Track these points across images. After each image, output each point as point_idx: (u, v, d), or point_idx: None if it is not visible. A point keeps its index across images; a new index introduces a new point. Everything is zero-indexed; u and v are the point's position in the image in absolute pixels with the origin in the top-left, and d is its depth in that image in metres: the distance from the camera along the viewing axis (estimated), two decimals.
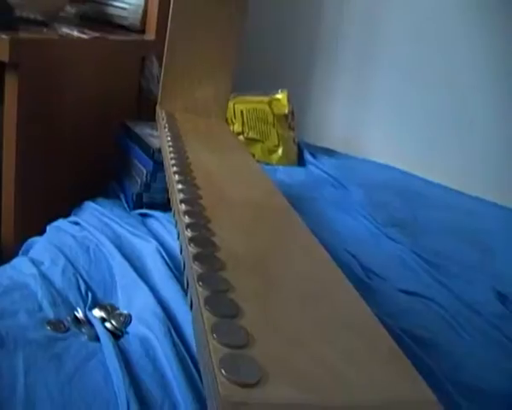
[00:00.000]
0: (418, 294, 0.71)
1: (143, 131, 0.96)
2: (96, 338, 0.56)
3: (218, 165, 0.71)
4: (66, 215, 0.84)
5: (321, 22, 1.47)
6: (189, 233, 0.47)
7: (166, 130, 0.80)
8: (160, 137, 0.88)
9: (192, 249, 0.44)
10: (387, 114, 1.41)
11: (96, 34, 1.01)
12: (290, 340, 0.35)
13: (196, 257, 0.43)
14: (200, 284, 0.39)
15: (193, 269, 0.41)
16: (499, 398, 0.54)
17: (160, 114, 0.90)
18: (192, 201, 0.54)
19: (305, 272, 0.47)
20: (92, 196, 0.91)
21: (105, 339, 0.54)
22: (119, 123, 1.00)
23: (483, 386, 0.55)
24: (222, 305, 0.37)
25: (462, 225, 0.99)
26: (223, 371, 0.29)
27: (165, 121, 0.85)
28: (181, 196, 0.56)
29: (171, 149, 0.71)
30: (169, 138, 0.76)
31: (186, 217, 0.50)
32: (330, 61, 1.47)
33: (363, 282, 0.72)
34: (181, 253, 0.49)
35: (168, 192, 0.90)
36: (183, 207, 0.53)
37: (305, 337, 0.36)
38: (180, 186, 0.58)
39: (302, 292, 0.43)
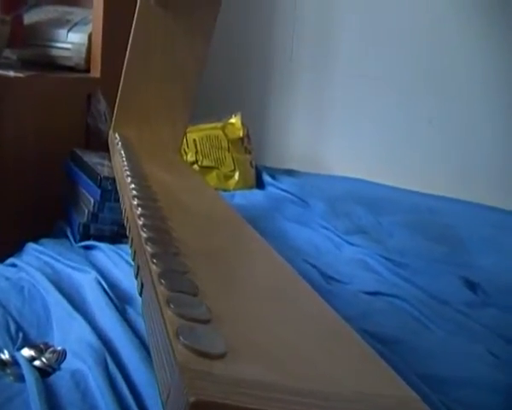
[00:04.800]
0: (381, 293, 0.67)
1: (92, 160, 0.91)
2: (23, 378, 0.50)
3: (175, 183, 0.68)
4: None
5: (273, 41, 1.46)
6: (140, 221, 0.42)
7: (119, 146, 0.75)
8: (111, 154, 0.81)
9: (144, 234, 0.39)
10: (347, 127, 1.39)
11: (33, 73, 0.99)
12: (256, 323, 0.31)
13: (149, 239, 0.37)
14: (154, 261, 0.33)
15: (145, 250, 0.36)
16: (472, 385, 0.49)
17: (113, 135, 0.85)
18: (147, 199, 0.49)
19: (260, 270, 0.44)
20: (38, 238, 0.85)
21: (29, 377, 0.49)
22: (66, 155, 0.96)
23: (454, 375, 0.50)
24: (179, 281, 0.31)
25: (428, 224, 0.95)
26: (181, 339, 0.24)
27: (118, 140, 0.80)
28: (134, 192, 0.50)
29: (124, 163, 0.65)
30: (122, 152, 0.70)
31: (139, 209, 0.45)
32: (285, 81, 1.46)
33: (322, 287, 0.67)
34: (130, 246, 0.43)
35: (117, 225, 0.86)
36: (135, 201, 0.47)
37: (271, 323, 0.32)
38: (133, 186, 0.53)
39: (260, 285, 0.40)
